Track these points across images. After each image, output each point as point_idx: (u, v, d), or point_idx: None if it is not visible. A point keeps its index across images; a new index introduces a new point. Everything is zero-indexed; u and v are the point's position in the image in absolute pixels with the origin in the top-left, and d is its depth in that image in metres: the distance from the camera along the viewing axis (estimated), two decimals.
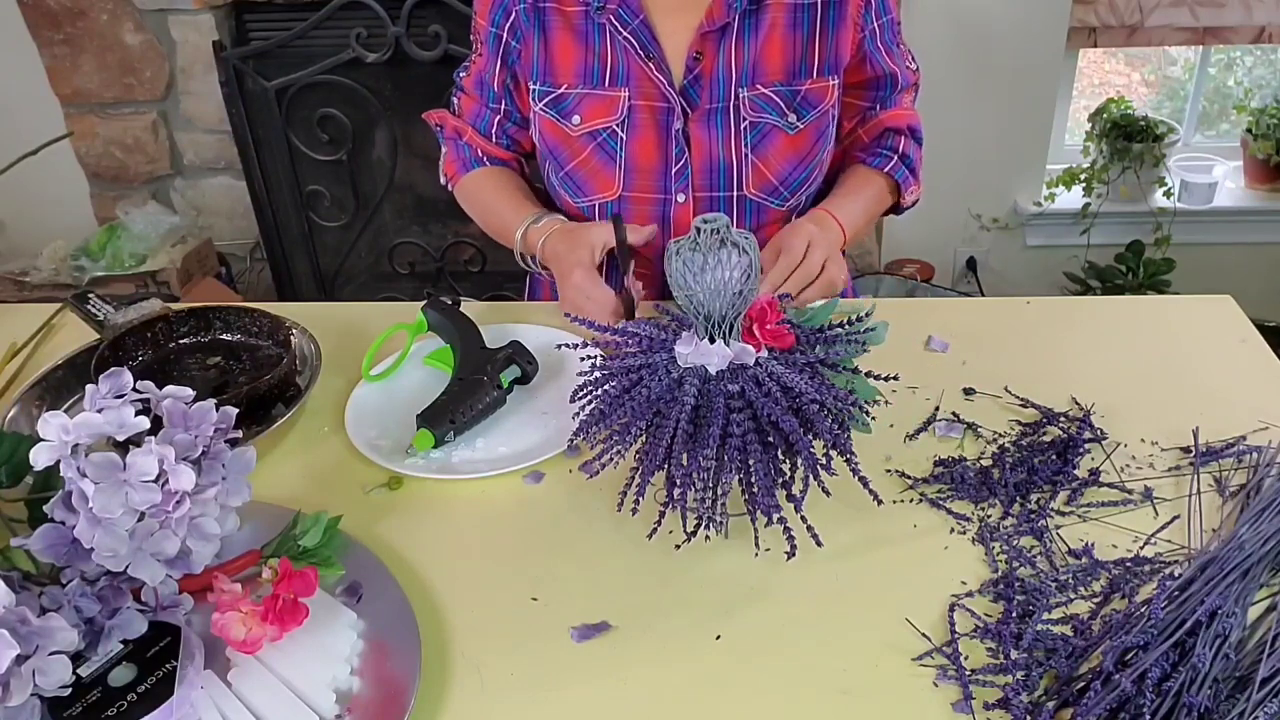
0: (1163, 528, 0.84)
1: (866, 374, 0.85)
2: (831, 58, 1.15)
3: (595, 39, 1.15)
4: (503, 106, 1.24)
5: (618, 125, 1.16)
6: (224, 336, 1.11)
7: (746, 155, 1.15)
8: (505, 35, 1.18)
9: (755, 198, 1.17)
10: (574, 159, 1.18)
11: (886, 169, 1.22)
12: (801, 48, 1.14)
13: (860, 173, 1.24)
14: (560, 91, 1.17)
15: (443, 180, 1.33)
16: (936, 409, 0.98)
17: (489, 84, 1.23)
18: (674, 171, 1.16)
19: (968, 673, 0.71)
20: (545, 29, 1.16)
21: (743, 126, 1.15)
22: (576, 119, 1.16)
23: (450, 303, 1.09)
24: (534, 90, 1.18)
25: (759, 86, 1.14)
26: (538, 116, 1.19)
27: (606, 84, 1.15)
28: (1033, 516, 0.85)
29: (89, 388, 0.72)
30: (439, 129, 1.32)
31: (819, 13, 1.13)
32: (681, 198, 1.17)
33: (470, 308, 1.11)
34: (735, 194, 1.17)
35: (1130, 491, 0.87)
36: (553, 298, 1.35)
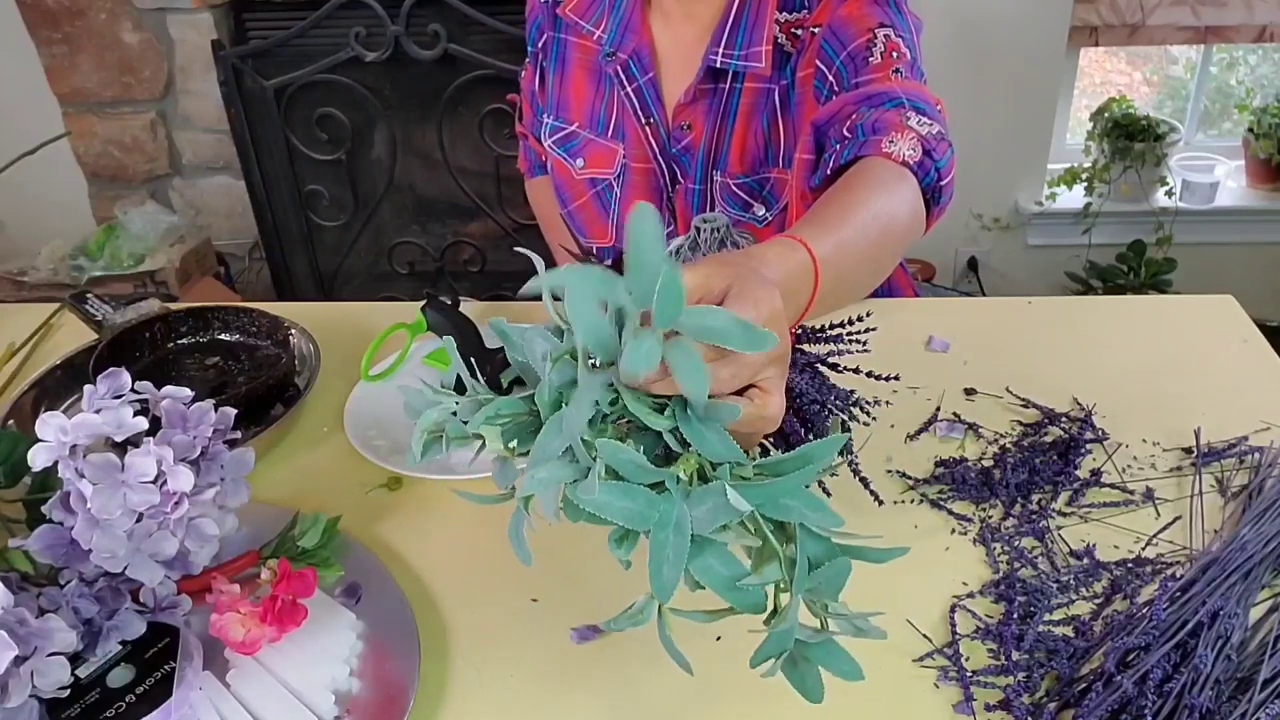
0: (1164, 528, 0.84)
1: (867, 374, 0.85)
2: (793, 146, 1.06)
3: (605, 84, 1.12)
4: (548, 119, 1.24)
5: (614, 179, 1.14)
6: (223, 336, 1.10)
7: None
8: (540, 55, 1.17)
9: None
10: (576, 200, 1.17)
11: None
12: (764, 136, 1.07)
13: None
14: (570, 130, 1.15)
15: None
16: (937, 409, 0.98)
17: (536, 95, 1.23)
18: (666, 233, 1.14)
19: (969, 674, 0.70)
20: (565, 62, 1.14)
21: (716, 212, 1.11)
22: (580, 162, 1.15)
23: (450, 303, 1.09)
24: (546, 124, 1.17)
25: (726, 177, 1.09)
26: (549, 151, 1.19)
27: (609, 135, 1.13)
28: (1034, 517, 0.84)
29: (87, 388, 0.71)
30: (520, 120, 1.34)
31: (778, 97, 1.05)
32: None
33: (470, 308, 1.11)
34: None
35: (1132, 492, 0.87)
36: None
